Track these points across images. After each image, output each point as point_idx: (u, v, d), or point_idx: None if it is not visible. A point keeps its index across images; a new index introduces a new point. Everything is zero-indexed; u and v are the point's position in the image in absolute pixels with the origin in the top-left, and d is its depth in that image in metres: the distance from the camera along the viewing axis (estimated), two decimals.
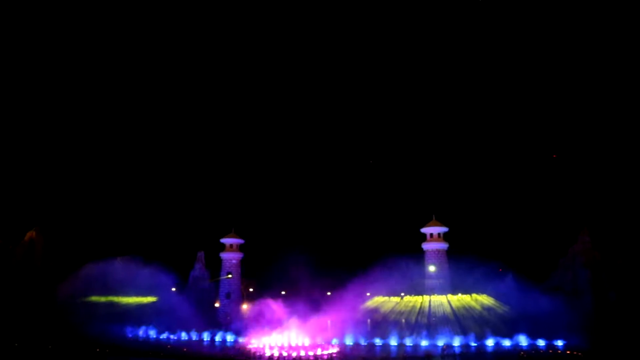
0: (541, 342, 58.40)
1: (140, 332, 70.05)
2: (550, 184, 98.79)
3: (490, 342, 59.75)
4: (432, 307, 71.33)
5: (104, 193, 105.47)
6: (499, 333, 61.08)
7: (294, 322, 64.29)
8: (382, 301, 74.53)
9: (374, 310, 73.51)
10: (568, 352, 53.16)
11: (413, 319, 70.82)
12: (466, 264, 68.83)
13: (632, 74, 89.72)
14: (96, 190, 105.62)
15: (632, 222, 76.35)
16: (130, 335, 68.51)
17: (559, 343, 57.64)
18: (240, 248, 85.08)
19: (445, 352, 52.27)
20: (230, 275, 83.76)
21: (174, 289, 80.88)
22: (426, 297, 72.47)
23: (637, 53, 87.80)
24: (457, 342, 60.25)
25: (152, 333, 69.94)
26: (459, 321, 67.48)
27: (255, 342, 60.70)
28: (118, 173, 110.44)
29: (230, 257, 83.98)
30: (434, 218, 76.80)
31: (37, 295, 73.14)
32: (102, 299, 75.95)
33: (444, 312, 70.24)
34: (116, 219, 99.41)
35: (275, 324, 64.74)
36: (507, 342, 59.25)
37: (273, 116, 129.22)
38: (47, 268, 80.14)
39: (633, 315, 63.24)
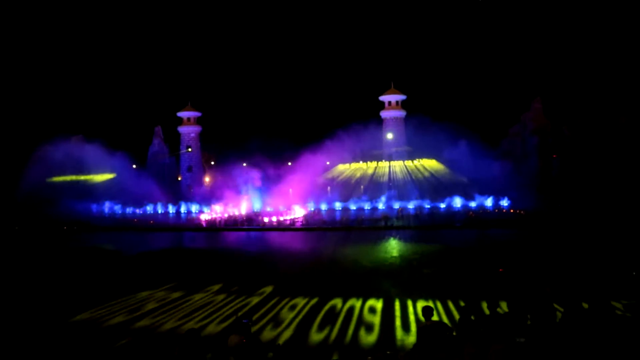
0: (489, 203, 62.81)
1: (105, 208, 70.69)
2: (506, 53, 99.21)
3: (442, 205, 63.74)
4: (389, 172, 74.52)
5: (55, 69, 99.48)
6: (452, 195, 64.97)
7: (256, 191, 66.11)
8: (341, 168, 77.14)
9: (334, 177, 76.34)
10: (512, 210, 57.55)
11: (371, 184, 74.21)
12: (423, 131, 70.96)
13: None
14: (47, 66, 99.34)
15: (581, 91, 79.08)
16: (95, 212, 69.09)
17: (504, 203, 62.16)
18: (198, 121, 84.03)
19: (400, 214, 55.64)
20: (189, 149, 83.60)
21: (134, 166, 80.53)
22: (383, 163, 75.38)
23: None
24: (412, 204, 63.95)
25: (117, 208, 70.78)
26: (414, 185, 71.15)
27: (219, 210, 62.66)
28: (69, 46, 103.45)
29: (189, 131, 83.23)
30: (392, 86, 77.07)
31: None
32: (63, 178, 75.17)
33: (400, 177, 73.69)
34: (68, 97, 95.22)
35: (238, 193, 66.40)
36: (458, 204, 63.38)
37: None
38: None
39: (573, 178, 68.13)
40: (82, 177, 77.89)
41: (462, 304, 16.46)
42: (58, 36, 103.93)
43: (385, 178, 74.71)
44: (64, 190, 71.31)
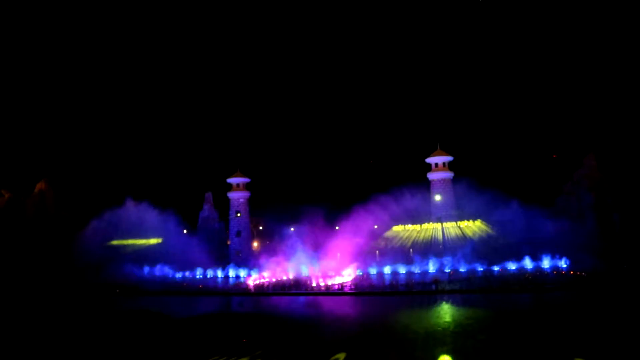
0: (546, 264, 59.83)
1: (157, 272, 72.01)
2: (556, 109, 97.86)
3: (496, 267, 61.21)
4: (438, 234, 72.84)
5: (109, 139, 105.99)
6: (505, 258, 62.37)
7: (304, 255, 65.76)
8: (389, 231, 76.09)
9: (383, 240, 75.20)
10: (572, 272, 54.43)
11: (420, 247, 72.53)
12: (471, 191, 69.47)
13: None
14: (102, 136, 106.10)
15: (637, 145, 76.23)
16: (147, 275, 70.49)
17: (563, 264, 59.03)
18: (247, 187, 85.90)
19: (452, 278, 53.69)
20: (239, 214, 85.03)
21: (185, 231, 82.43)
22: (432, 225, 73.89)
23: None
24: (464, 268, 61.77)
25: (169, 271, 72.00)
26: (466, 248, 68.91)
27: (268, 276, 62.52)
28: (123, 118, 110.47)
29: (238, 197, 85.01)
30: (438, 147, 76.86)
31: (52, 245, 74.84)
32: (119, 242, 77.92)
33: (450, 239, 71.77)
34: (123, 164, 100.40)
35: (286, 258, 66.26)
36: (512, 266, 60.72)
37: (275, 57, 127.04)
38: (59, 218, 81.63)
39: (636, 237, 64.33)
40: (136, 241, 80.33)
41: None
42: (110, 104, 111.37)
43: (436, 241, 73.00)
44: (117, 254, 73.79)
